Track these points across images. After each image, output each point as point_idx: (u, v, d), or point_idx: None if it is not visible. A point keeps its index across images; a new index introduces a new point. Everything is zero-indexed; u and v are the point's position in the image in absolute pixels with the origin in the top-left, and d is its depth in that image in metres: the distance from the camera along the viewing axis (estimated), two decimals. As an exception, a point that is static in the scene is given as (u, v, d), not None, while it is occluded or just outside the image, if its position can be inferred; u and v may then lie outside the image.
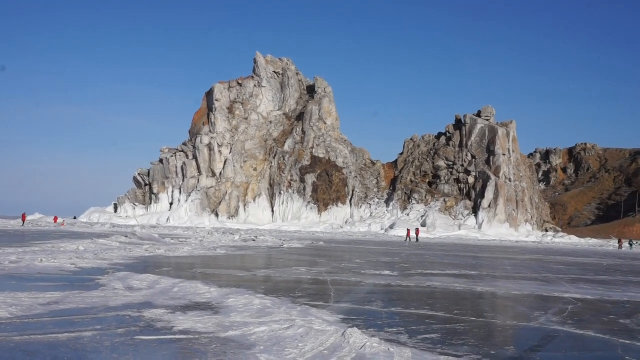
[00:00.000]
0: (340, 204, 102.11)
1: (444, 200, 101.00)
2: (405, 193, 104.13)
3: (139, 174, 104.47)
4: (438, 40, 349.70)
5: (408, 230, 66.84)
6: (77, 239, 32.25)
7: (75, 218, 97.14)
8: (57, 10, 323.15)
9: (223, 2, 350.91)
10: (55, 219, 78.83)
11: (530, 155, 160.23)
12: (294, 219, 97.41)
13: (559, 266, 27.25)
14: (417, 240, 63.10)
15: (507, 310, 11.63)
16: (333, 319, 9.38)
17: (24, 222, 62.21)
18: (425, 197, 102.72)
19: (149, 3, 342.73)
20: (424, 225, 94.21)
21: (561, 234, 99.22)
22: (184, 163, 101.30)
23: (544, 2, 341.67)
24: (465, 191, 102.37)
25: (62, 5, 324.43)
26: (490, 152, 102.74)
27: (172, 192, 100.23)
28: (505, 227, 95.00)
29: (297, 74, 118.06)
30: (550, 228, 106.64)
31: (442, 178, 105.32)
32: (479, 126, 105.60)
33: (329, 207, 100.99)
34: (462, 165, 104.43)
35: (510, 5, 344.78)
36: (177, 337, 7.75)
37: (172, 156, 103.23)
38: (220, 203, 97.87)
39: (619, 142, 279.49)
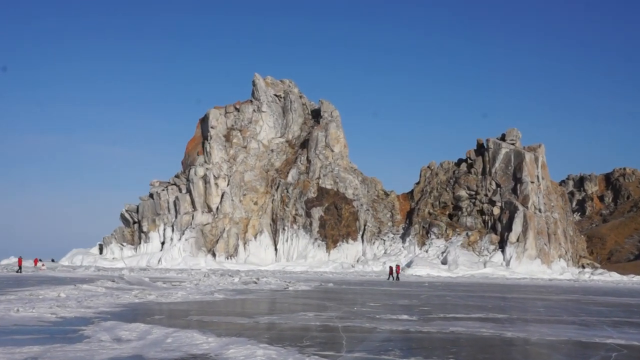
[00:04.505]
0: (350, 241, 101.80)
1: (467, 234, 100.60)
2: (423, 227, 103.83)
3: (126, 211, 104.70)
4: (456, 58, 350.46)
5: (390, 267, 66.08)
6: (57, 284, 32.21)
7: (53, 261, 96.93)
8: (39, 36, 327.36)
9: (217, 21, 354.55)
10: (36, 261, 78.83)
11: (562, 183, 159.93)
12: (300, 258, 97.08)
13: (599, 307, 26.96)
14: (398, 278, 62.59)
15: (541, 358, 11.49)
16: (346, 371, 9.29)
17: (20, 267, 60.02)
18: (446, 231, 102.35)
19: (133, 22, 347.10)
20: (444, 262, 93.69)
21: (600, 270, 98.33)
22: (177, 197, 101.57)
23: (578, 15, 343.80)
24: (490, 224, 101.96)
25: (43, 30, 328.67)
26: (517, 179, 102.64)
27: (164, 230, 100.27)
28: (537, 263, 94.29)
29: (301, 97, 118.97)
30: (588, 264, 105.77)
31: (464, 209, 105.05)
32: (503, 151, 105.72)
33: (338, 244, 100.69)
34: (486, 195, 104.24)
35: (539, 18, 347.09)
36: (171, 394, 7.68)
37: (163, 190, 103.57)
38: (217, 241, 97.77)
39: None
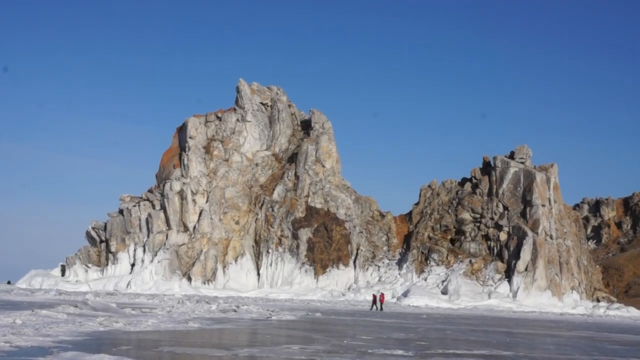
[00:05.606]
0: (341, 266, 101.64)
1: (470, 261, 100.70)
2: (422, 252, 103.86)
3: (92, 228, 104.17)
4: (461, 67, 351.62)
5: (374, 295, 65.91)
6: (13, 309, 31.98)
7: (9, 283, 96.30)
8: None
9: (197, 21, 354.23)
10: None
11: (576, 207, 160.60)
12: (285, 285, 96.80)
13: (615, 346, 27.01)
14: (381, 308, 62.64)
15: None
16: (333, 411, 9.28)
17: None
18: (447, 257, 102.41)
19: (109, 24, 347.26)
20: (445, 292, 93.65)
21: (616, 305, 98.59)
22: (149, 214, 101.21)
23: (596, 24, 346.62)
24: (495, 250, 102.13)
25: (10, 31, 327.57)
26: (527, 202, 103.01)
27: (134, 250, 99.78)
28: (547, 295, 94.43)
29: (290, 106, 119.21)
30: (603, 297, 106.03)
31: (468, 234, 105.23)
32: (512, 170, 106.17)
33: (327, 270, 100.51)
34: (492, 219, 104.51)
35: (554, 26, 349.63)
36: None
37: (134, 206, 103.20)
38: (193, 264, 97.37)
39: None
